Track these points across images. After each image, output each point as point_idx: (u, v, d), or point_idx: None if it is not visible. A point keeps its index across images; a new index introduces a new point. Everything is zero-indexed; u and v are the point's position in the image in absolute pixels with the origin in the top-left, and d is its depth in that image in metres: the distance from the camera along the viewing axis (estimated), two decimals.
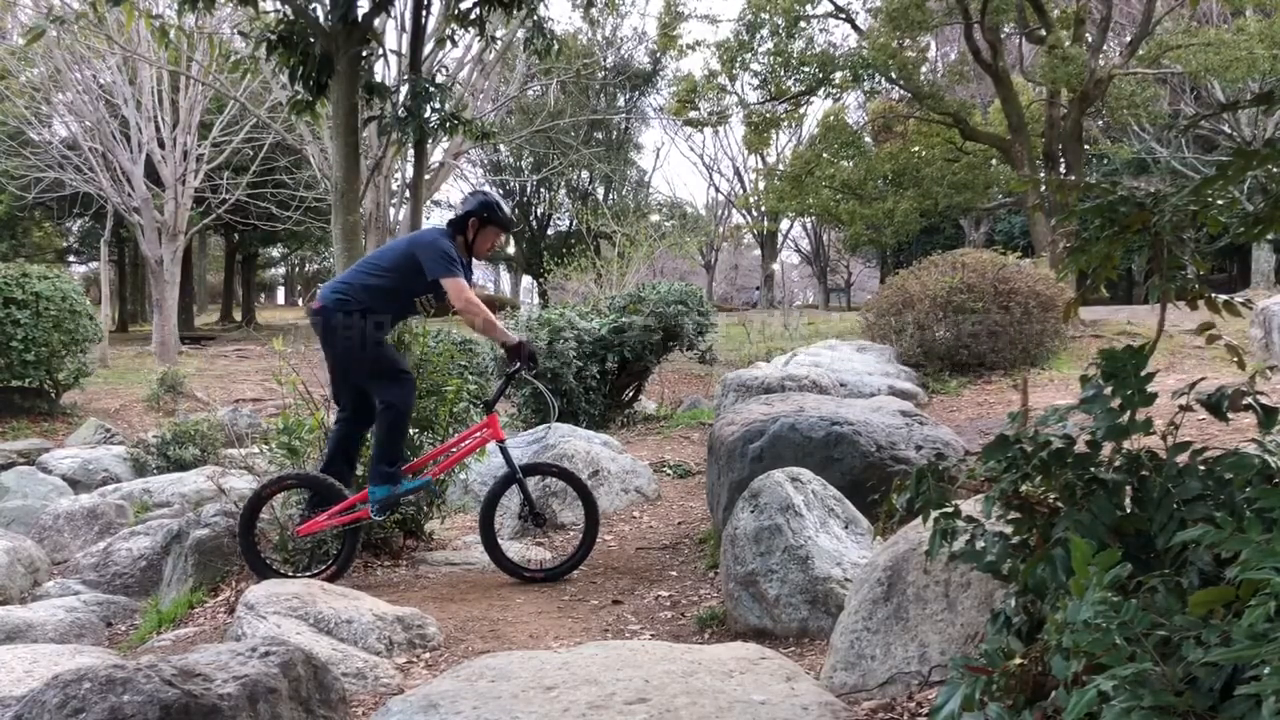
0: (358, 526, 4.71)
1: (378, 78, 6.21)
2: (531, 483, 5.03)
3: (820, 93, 18.60)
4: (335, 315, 4.51)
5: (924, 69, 22.13)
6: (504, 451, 4.78)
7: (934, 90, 18.00)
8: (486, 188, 4.86)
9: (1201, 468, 1.82)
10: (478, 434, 4.88)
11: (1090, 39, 15.97)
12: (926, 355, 9.78)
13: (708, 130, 32.07)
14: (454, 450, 4.92)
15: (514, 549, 5.12)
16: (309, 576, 4.51)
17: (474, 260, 4.81)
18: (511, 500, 5.22)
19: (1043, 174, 14.87)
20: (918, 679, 2.40)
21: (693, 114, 20.95)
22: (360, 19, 5.40)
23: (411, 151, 5.99)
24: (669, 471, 7.27)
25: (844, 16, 18.50)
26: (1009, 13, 16.25)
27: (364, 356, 4.56)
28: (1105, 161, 23.78)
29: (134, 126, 19.53)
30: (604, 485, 6.25)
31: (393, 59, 13.46)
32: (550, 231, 33.63)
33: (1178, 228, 2.00)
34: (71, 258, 34.48)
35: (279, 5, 5.54)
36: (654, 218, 31.55)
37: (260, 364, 19.15)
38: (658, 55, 31.19)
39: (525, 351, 4.69)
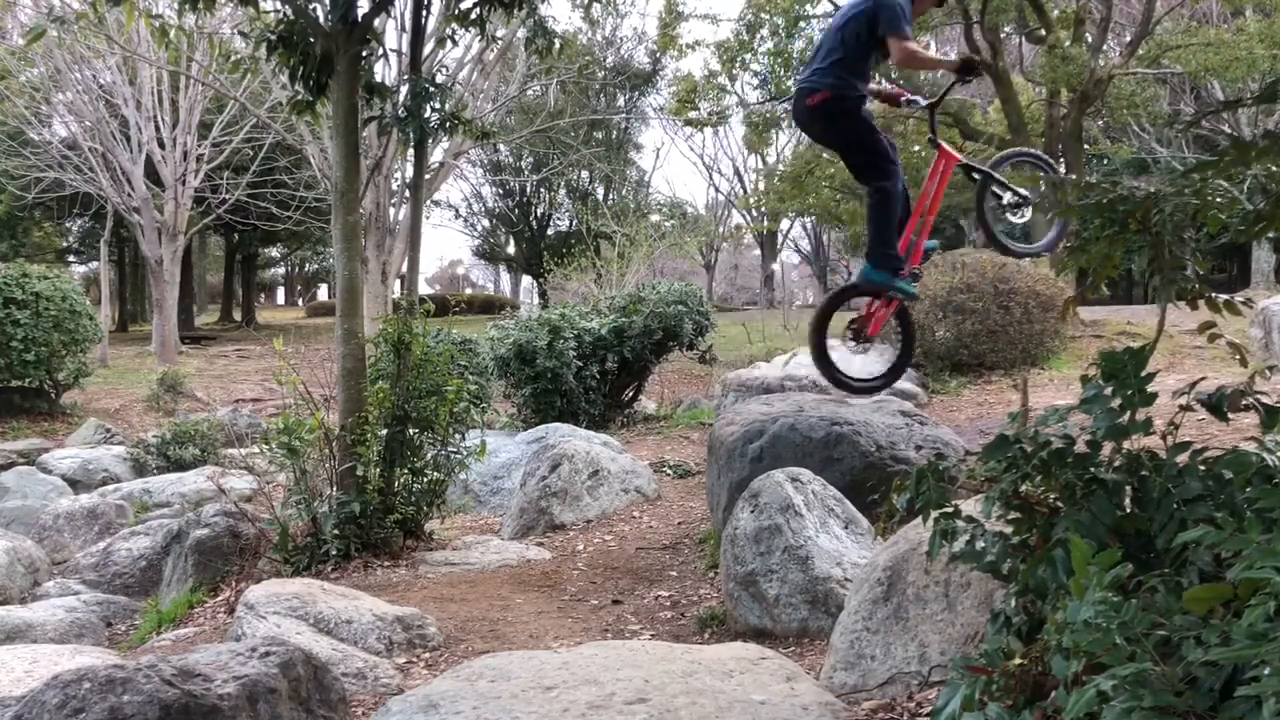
0: (905, 309, 5.14)
1: (378, 78, 6.20)
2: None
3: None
4: (831, 108, 4.54)
5: None
6: (968, 167, 4.95)
7: (934, 90, 17.98)
8: None
9: (1201, 468, 1.82)
10: (940, 170, 4.95)
11: (1090, 39, 15.97)
12: (926, 355, 9.78)
13: (708, 130, 32.08)
14: (926, 205, 4.96)
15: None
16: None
17: None
18: (512, 500, 5.21)
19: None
20: (918, 679, 2.40)
21: (693, 114, 20.94)
22: (360, 19, 5.40)
23: (411, 151, 5.98)
24: (669, 471, 7.26)
25: None
26: (1009, 13, 16.23)
27: (862, 140, 4.65)
28: (1105, 161, 23.77)
29: (134, 126, 19.52)
30: (604, 485, 6.25)
31: (393, 59, 13.48)
32: (550, 231, 33.59)
33: (1178, 227, 2.00)
34: (71, 258, 34.47)
35: (279, 5, 5.53)
36: (654, 218, 31.51)
37: (260, 364, 19.16)
38: (658, 55, 31.16)
39: (971, 64, 4.73)
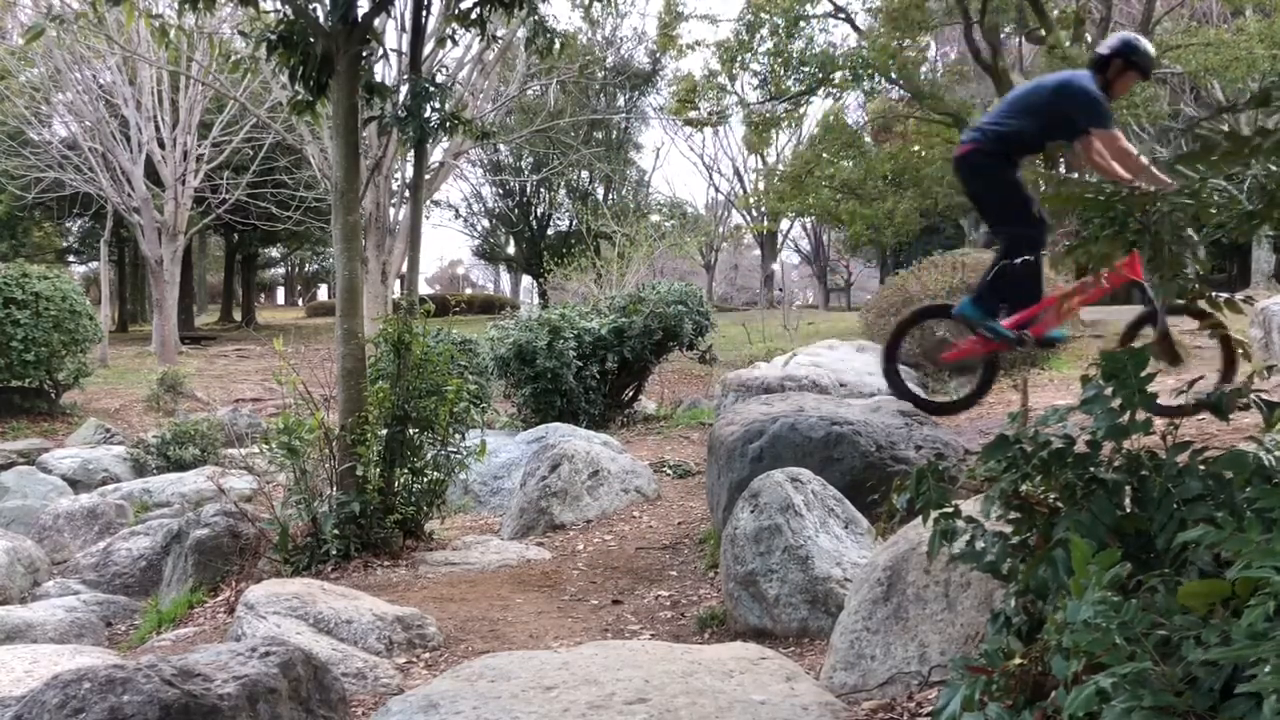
0: (995, 356, 4.98)
1: (378, 78, 6.20)
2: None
3: (820, 93, 18.59)
4: (973, 160, 4.64)
5: (924, 69, 22.13)
6: (1143, 290, 4.66)
7: (934, 90, 17.98)
8: (1133, 33, 4.94)
9: (1201, 468, 1.82)
10: (1119, 275, 4.66)
11: (1090, 39, 15.97)
12: (926, 355, 9.77)
13: (708, 130, 32.13)
14: (1083, 292, 4.79)
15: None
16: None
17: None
18: (512, 500, 5.19)
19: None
20: (918, 679, 2.40)
21: (693, 114, 20.95)
22: (360, 19, 5.40)
23: (411, 151, 5.98)
24: (669, 471, 7.26)
25: (844, 16, 18.49)
26: (1009, 13, 16.24)
27: (986, 195, 4.77)
28: None
29: (134, 126, 19.52)
30: (604, 485, 6.25)
31: (393, 59, 13.47)
32: (550, 231, 33.58)
33: (1178, 227, 2.00)
34: (71, 258, 34.44)
35: (279, 5, 5.53)
36: (654, 218, 31.52)
37: (260, 364, 19.15)
38: (658, 55, 31.16)
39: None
